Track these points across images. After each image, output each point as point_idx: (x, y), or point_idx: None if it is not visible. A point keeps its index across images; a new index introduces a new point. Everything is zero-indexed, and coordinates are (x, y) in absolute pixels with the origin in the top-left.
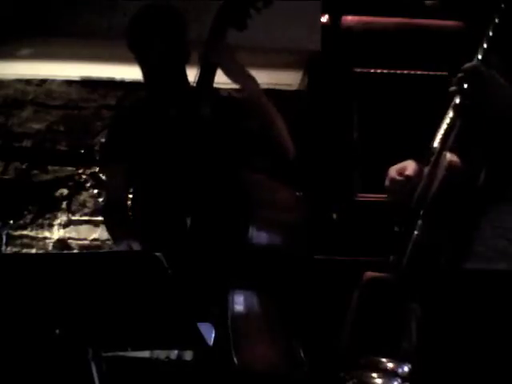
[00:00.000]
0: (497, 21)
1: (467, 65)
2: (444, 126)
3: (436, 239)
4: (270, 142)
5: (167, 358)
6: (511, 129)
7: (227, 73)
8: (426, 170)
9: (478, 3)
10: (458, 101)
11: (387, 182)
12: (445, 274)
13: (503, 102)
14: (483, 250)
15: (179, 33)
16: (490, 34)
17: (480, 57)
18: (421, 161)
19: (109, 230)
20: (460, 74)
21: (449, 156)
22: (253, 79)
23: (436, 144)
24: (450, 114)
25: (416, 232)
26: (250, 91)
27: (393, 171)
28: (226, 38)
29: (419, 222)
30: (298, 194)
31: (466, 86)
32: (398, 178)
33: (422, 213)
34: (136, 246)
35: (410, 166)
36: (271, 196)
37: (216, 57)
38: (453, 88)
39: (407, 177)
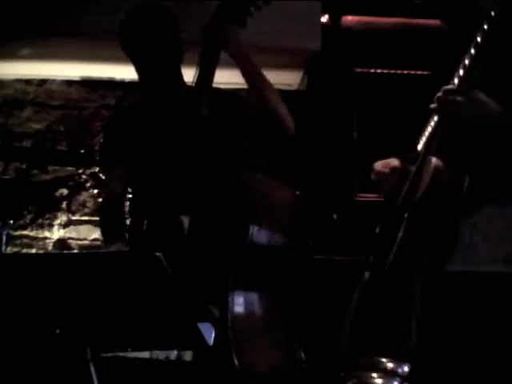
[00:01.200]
0: (479, 40)
1: (446, 87)
2: (428, 130)
3: (420, 241)
4: (268, 117)
5: (167, 358)
6: (493, 138)
7: (228, 46)
8: (411, 171)
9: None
10: (436, 118)
11: (373, 176)
12: (428, 275)
13: (484, 119)
14: (472, 252)
15: (171, 33)
16: (472, 52)
17: (461, 75)
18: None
19: (103, 230)
20: (439, 94)
21: (434, 161)
22: (250, 59)
23: (420, 147)
24: (434, 119)
25: (400, 234)
26: (247, 64)
27: (378, 165)
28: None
29: (403, 224)
30: (297, 192)
31: (444, 106)
32: (383, 169)
33: (406, 215)
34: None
35: (393, 161)
36: (271, 195)
37: (215, 30)
38: (433, 105)
39: (393, 168)
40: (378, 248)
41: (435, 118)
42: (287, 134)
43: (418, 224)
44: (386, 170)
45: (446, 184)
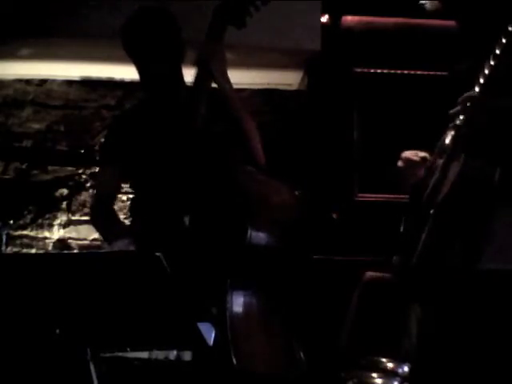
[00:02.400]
0: (498, 52)
1: (466, 94)
2: (455, 125)
3: (446, 240)
4: (242, 147)
5: (166, 358)
6: None
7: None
8: (438, 166)
9: (477, 5)
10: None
11: (402, 164)
12: (457, 274)
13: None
14: (498, 250)
15: (173, 33)
16: (492, 63)
17: (480, 85)
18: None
19: (96, 227)
20: (459, 104)
21: (463, 155)
22: (231, 87)
23: (448, 141)
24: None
25: (425, 232)
26: (226, 97)
27: (407, 153)
28: (224, 37)
29: (429, 222)
30: (296, 192)
31: (463, 116)
32: (413, 157)
33: (432, 212)
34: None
35: (421, 153)
36: (269, 195)
37: (206, 56)
38: (453, 111)
39: (423, 157)
40: (403, 247)
41: (461, 117)
42: (255, 163)
43: (444, 221)
44: (417, 158)
45: (475, 178)
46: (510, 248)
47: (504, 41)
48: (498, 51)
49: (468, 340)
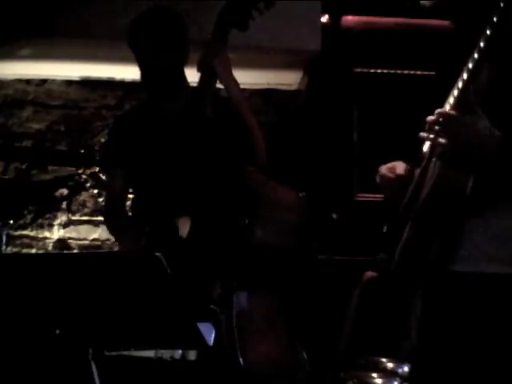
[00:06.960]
0: (482, 45)
1: (438, 110)
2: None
3: (424, 241)
4: (246, 148)
5: (171, 357)
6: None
7: (217, 75)
8: (417, 172)
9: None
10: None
11: (377, 179)
12: (432, 275)
13: (480, 144)
14: (475, 253)
15: (179, 35)
16: (476, 56)
17: (452, 100)
18: (414, 162)
19: (111, 232)
20: (431, 118)
21: (439, 163)
22: (239, 88)
23: (426, 148)
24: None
25: (405, 233)
26: (233, 98)
27: (383, 169)
28: (227, 39)
29: (409, 223)
30: (300, 194)
31: (437, 129)
32: (388, 174)
33: (411, 215)
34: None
35: (400, 166)
36: (274, 196)
37: (210, 58)
38: (423, 135)
39: (397, 175)
40: (386, 247)
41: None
42: (258, 165)
43: (422, 224)
44: (391, 175)
45: (450, 185)
46: (481, 251)
47: (488, 32)
48: (481, 44)
49: (455, 341)
